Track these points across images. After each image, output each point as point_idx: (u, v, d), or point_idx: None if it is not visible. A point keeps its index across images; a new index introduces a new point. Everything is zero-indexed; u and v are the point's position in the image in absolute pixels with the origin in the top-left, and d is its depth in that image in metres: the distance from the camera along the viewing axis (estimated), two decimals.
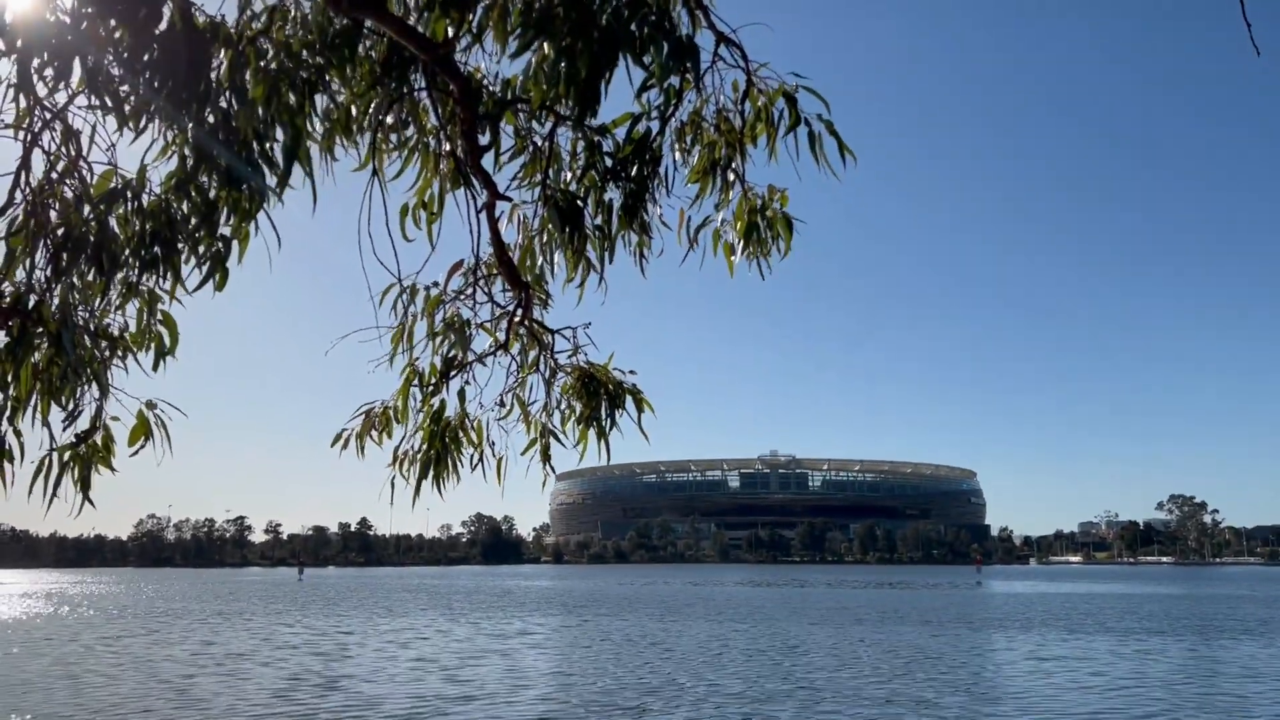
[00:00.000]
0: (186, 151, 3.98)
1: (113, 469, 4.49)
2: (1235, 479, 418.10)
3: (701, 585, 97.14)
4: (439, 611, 54.28)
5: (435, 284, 4.73)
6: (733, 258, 4.40)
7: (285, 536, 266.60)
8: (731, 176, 4.28)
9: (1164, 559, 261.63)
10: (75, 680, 23.73)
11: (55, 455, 4.26)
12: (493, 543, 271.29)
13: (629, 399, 4.76)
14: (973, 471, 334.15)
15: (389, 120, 4.29)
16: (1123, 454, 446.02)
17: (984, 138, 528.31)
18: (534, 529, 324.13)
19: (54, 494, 4.31)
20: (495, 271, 4.74)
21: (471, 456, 4.84)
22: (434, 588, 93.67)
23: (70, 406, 4.42)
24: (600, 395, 4.75)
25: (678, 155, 4.28)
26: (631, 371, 4.82)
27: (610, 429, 4.77)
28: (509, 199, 4.47)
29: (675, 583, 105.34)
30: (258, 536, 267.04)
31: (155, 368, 4.61)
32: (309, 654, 31.11)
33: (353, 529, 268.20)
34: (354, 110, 4.21)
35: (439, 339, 4.76)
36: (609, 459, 5.02)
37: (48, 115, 4.09)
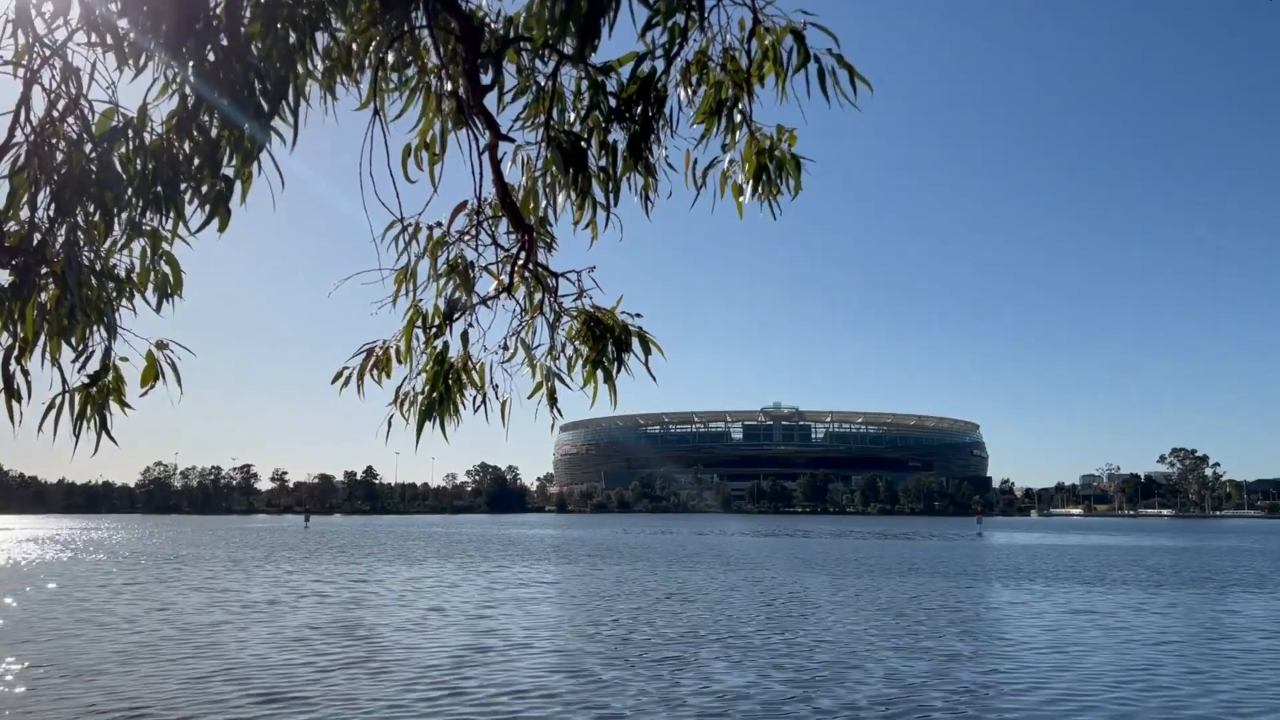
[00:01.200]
0: (187, 90, 3.95)
1: (130, 407, 4.51)
2: (1236, 432, 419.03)
3: (707, 535, 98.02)
4: (452, 560, 54.88)
5: (439, 224, 4.71)
6: (741, 199, 4.36)
7: (291, 485, 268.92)
8: (738, 117, 4.23)
9: (1164, 511, 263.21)
10: (102, 628, 24.07)
11: (69, 396, 4.28)
12: (497, 492, 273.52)
13: (636, 341, 4.75)
14: (976, 424, 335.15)
15: (390, 59, 4.24)
16: (1125, 407, 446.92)
17: (990, 84, 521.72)
18: (538, 479, 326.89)
19: (80, 433, 4.34)
20: (499, 214, 4.71)
21: (474, 399, 4.85)
22: (442, 535, 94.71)
23: (80, 347, 4.43)
24: (606, 338, 4.74)
25: (683, 95, 4.22)
26: (638, 314, 4.81)
27: (618, 372, 4.76)
28: (512, 140, 4.42)
29: (682, 532, 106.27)
30: (264, 485, 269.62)
31: (159, 308, 4.61)
32: (331, 602, 31.55)
33: (358, 477, 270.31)
34: (354, 48, 4.16)
35: (443, 280, 4.74)
36: (615, 403, 5.03)
37: (47, 52, 4.05)
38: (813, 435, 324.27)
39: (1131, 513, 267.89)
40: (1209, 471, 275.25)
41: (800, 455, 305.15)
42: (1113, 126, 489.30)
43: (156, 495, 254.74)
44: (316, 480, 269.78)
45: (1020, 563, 53.99)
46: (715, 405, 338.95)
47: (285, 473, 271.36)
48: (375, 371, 4.86)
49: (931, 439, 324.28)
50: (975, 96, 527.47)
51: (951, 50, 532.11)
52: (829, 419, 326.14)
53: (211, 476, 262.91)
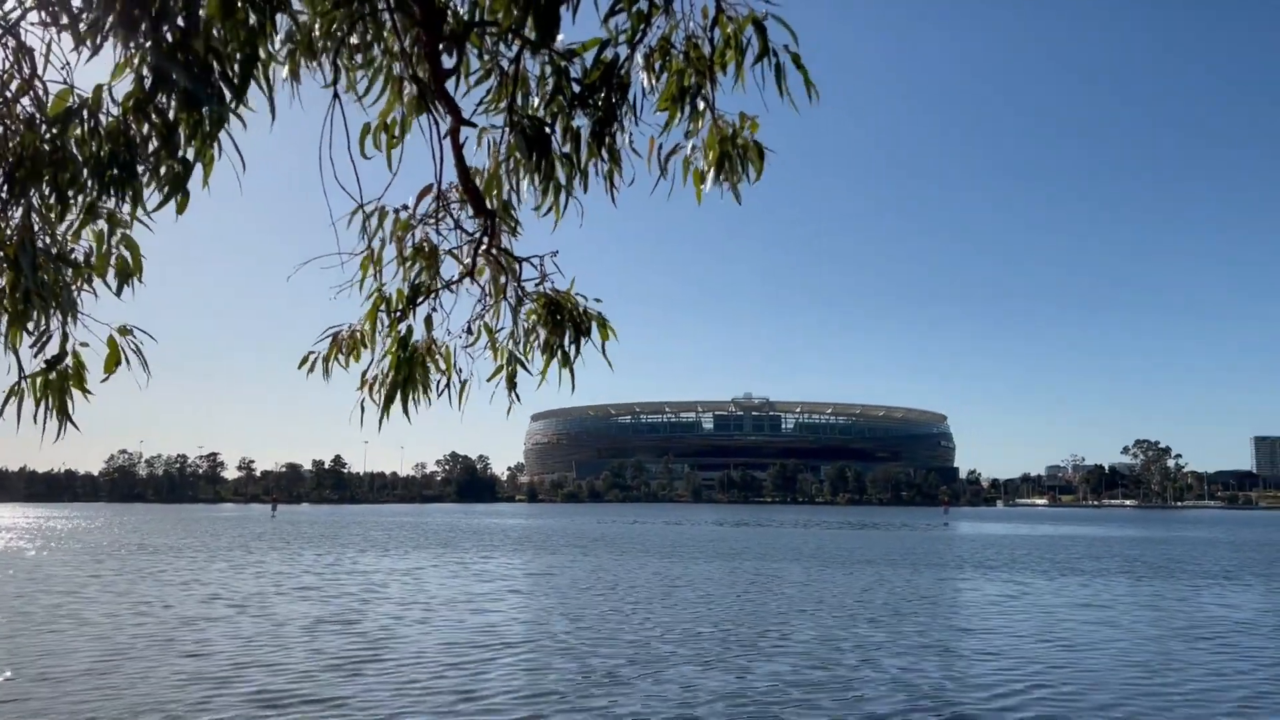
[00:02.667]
0: (144, 71, 3.90)
1: (90, 393, 4.48)
2: (1198, 425, 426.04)
3: (680, 525, 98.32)
4: (427, 550, 54.65)
5: (405, 206, 4.70)
6: (702, 186, 4.38)
7: (259, 473, 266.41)
8: (701, 105, 4.25)
9: (1127, 502, 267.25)
10: (82, 622, 23.72)
11: (28, 382, 4.24)
12: (467, 481, 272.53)
13: (594, 326, 4.77)
14: (943, 415, 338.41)
15: (354, 41, 4.21)
16: (1090, 399, 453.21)
17: (957, 73, 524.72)
18: (509, 468, 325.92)
19: (41, 420, 4.30)
20: (464, 198, 4.70)
21: (439, 382, 4.85)
22: (414, 524, 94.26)
23: (38, 332, 4.38)
24: (565, 323, 4.75)
25: (646, 82, 4.23)
26: (597, 299, 4.83)
27: (575, 356, 4.78)
28: (473, 125, 4.42)
29: (654, 522, 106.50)
30: (230, 473, 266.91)
31: (119, 292, 4.57)
32: (314, 596, 31.35)
33: (326, 466, 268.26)
34: (317, 30, 4.13)
35: (408, 264, 4.74)
36: (574, 388, 5.04)
37: None
38: (783, 425, 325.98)
39: (1095, 503, 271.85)
40: (1171, 463, 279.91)
41: (770, 445, 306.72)
42: (1079, 117, 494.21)
43: (121, 484, 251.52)
44: (284, 469, 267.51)
45: (988, 554, 54.63)
46: (686, 395, 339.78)
47: (252, 461, 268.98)
48: (342, 356, 4.84)
49: (899, 430, 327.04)
50: (943, 85, 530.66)
51: (919, 36, 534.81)
52: (799, 409, 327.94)
53: (177, 465, 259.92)
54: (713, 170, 4.31)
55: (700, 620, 24.17)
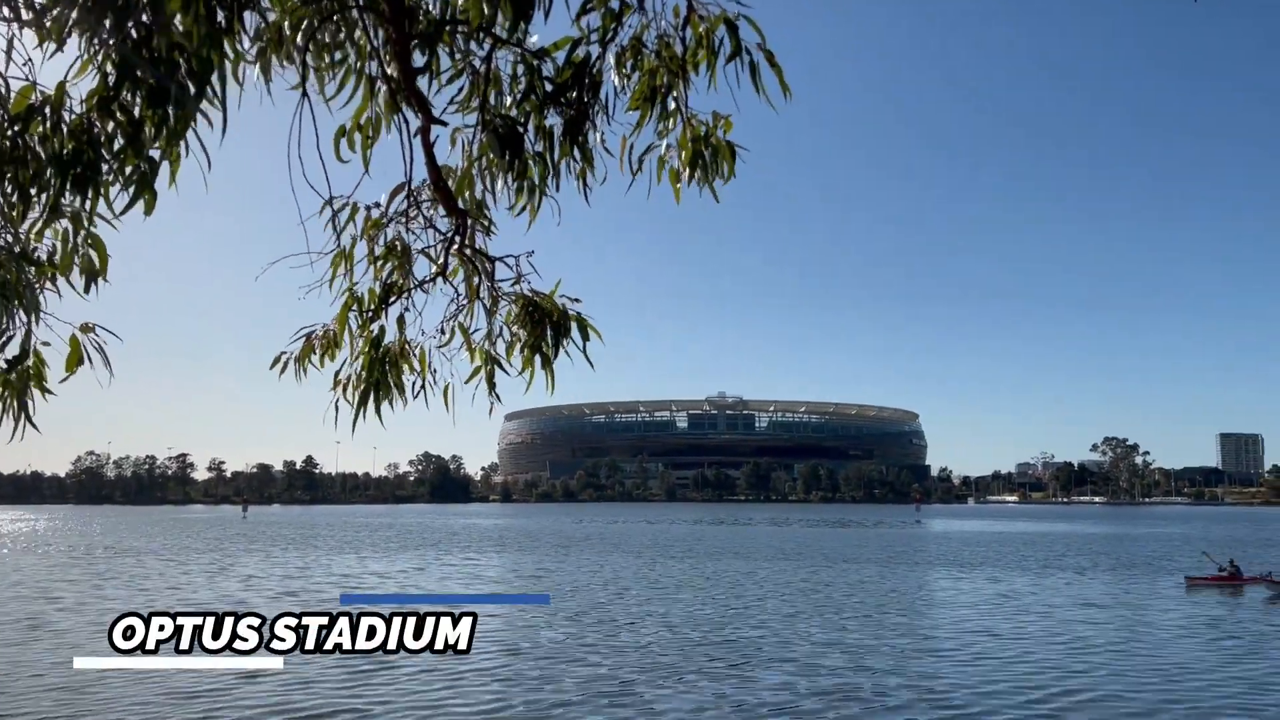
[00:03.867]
0: (108, 68, 3.84)
1: (48, 391, 4.40)
2: (1166, 422, 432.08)
3: (657, 524, 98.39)
4: (409, 550, 54.31)
5: (377, 204, 4.65)
6: (678, 185, 4.36)
7: (229, 474, 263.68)
8: (673, 104, 4.23)
9: (1096, 499, 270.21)
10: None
11: None
12: (441, 482, 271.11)
13: (574, 326, 4.74)
14: (915, 413, 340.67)
15: (326, 39, 4.16)
16: (1060, 397, 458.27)
17: (924, 74, 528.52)
18: (482, 468, 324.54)
19: (2, 418, 4.23)
20: (435, 197, 4.66)
21: (414, 384, 4.81)
22: (388, 525, 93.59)
23: None
24: (545, 323, 4.72)
25: (617, 81, 4.21)
26: (576, 299, 4.80)
27: (555, 356, 4.75)
28: (444, 123, 4.38)
29: (632, 521, 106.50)
30: (201, 474, 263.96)
31: (87, 290, 4.49)
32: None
33: (298, 467, 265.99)
34: (286, 28, 4.08)
35: (380, 263, 4.69)
36: (553, 389, 5.00)
37: None
38: (756, 424, 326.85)
39: (1065, 500, 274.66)
40: (1139, 460, 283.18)
41: (744, 444, 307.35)
42: (1050, 115, 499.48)
43: (88, 485, 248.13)
44: (255, 470, 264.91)
45: (959, 550, 55.10)
46: (660, 395, 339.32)
47: (223, 462, 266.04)
48: (315, 356, 4.79)
49: (872, 428, 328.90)
50: (916, 81, 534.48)
51: (891, 33, 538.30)
52: (772, 408, 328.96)
53: (146, 466, 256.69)
54: (688, 170, 4.29)
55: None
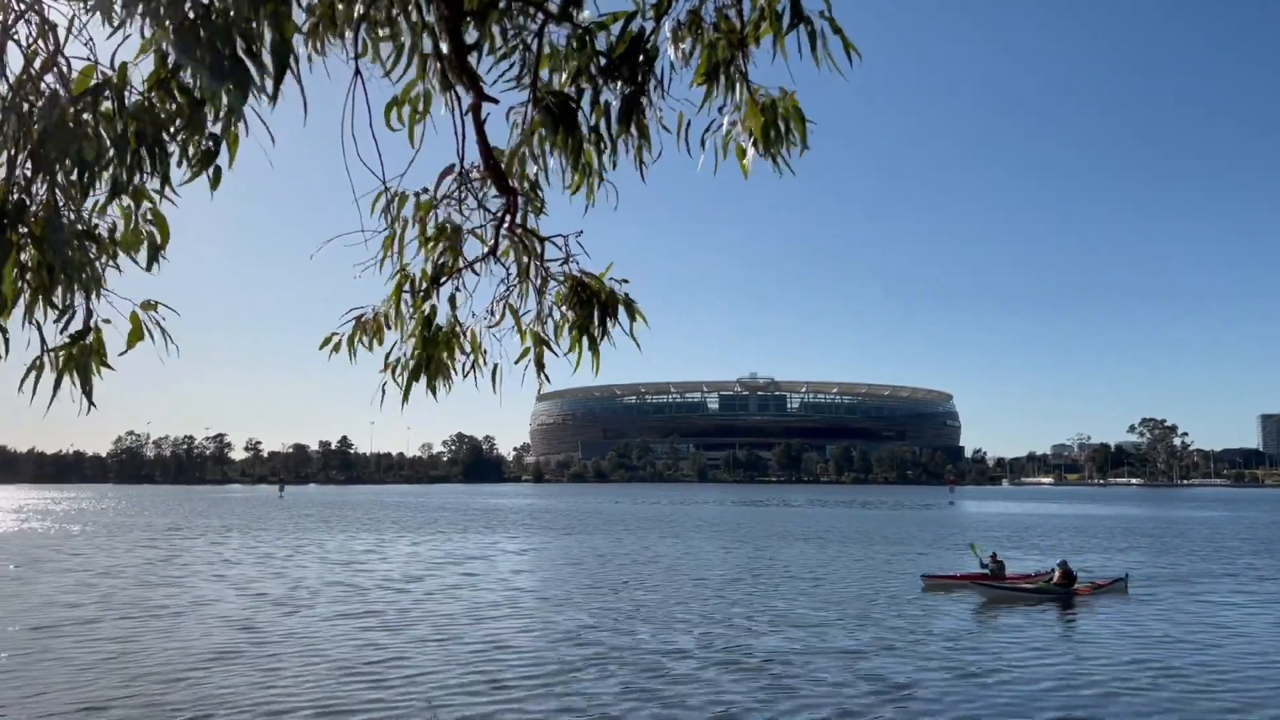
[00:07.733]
0: (166, 48, 3.85)
1: (110, 367, 4.45)
2: (1205, 403, 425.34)
3: (688, 505, 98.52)
4: (444, 530, 54.82)
5: (425, 189, 4.64)
6: (745, 160, 4.28)
7: (266, 454, 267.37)
8: (736, 76, 4.15)
9: (1133, 480, 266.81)
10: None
11: (49, 356, 4.21)
12: (473, 462, 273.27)
13: (621, 309, 4.71)
14: (949, 394, 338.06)
15: (379, 15, 4.14)
16: (1096, 377, 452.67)
17: (975, 51, 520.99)
18: (514, 449, 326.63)
19: (66, 393, 4.28)
20: (485, 177, 4.64)
21: (464, 364, 4.80)
22: (423, 504, 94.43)
23: (63, 307, 4.35)
24: (593, 304, 4.70)
25: (674, 55, 4.15)
26: (624, 280, 4.77)
27: (602, 338, 4.72)
28: (495, 100, 4.35)
29: (662, 502, 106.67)
30: (238, 454, 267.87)
31: (149, 266, 4.53)
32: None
33: (333, 447, 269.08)
34: (338, 4, 4.07)
35: (431, 244, 4.68)
36: (598, 370, 4.97)
37: (21, 6, 3.94)
38: (788, 405, 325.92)
39: (1101, 482, 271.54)
40: (1177, 441, 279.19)
41: (775, 425, 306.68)
42: (1085, 105, 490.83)
43: (129, 465, 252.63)
44: (291, 450, 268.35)
45: (996, 534, 54.64)
46: (691, 375, 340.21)
47: (259, 442, 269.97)
48: (365, 337, 4.80)
49: (905, 409, 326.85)
50: (960, 74, 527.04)
51: (939, 29, 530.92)
52: (804, 389, 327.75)
53: (185, 446, 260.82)
54: (760, 143, 4.19)
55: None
